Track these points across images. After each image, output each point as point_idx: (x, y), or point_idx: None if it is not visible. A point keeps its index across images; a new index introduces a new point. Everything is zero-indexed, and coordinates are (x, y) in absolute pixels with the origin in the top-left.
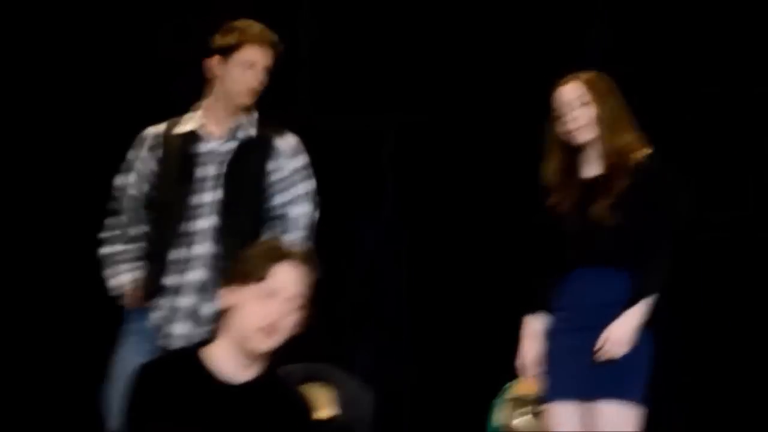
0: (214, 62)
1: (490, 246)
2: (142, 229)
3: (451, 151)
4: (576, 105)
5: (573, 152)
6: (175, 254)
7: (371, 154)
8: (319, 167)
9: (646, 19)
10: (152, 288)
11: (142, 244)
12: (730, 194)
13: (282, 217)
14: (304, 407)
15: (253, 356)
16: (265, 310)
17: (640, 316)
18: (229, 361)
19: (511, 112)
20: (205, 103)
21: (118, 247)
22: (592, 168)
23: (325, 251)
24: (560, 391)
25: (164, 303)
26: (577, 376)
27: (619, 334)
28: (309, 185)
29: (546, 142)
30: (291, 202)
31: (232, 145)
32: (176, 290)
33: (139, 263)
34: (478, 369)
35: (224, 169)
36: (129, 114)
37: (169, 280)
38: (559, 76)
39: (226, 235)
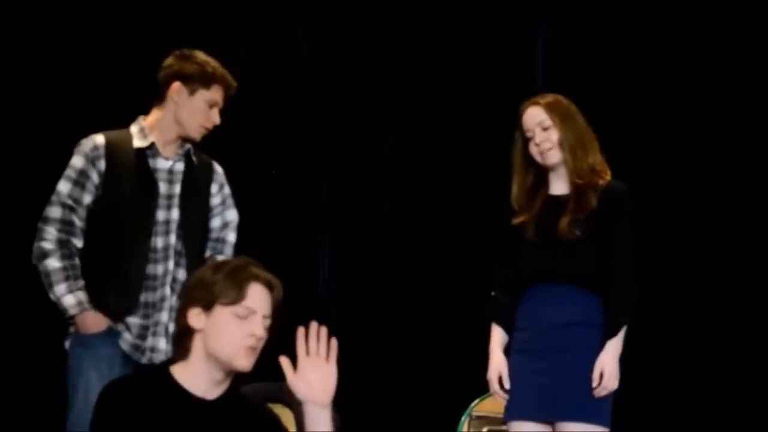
0: (175, 87)
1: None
2: (81, 242)
3: (450, 150)
4: (541, 128)
5: (540, 171)
6: (151, 269)
7: (371, 153)
8: (319, 165)
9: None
10: (123, 306)
11: (86, 259)
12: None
13: (220, 241)
14: (278, 424)
15: (230, 374)
16: (247, 330)
17: (620, 346)
18: (202, 379)
19: (510, 112)
20: (154, 120)
21: (72, 261)
22: (558, 186)
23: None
24: (522, 412)
25: (134, 321)
26: (540, 398)
27: (611, 368)
28: (236, 213)
29: (511, 162)
30: (227, 226)
31: (181, 165)
32: (153, 306)
33: (81, 280)
34: (442, 385)
35: (178, 188)
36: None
37: (144, 297)
38: (557, 75)
39: (183, 255)
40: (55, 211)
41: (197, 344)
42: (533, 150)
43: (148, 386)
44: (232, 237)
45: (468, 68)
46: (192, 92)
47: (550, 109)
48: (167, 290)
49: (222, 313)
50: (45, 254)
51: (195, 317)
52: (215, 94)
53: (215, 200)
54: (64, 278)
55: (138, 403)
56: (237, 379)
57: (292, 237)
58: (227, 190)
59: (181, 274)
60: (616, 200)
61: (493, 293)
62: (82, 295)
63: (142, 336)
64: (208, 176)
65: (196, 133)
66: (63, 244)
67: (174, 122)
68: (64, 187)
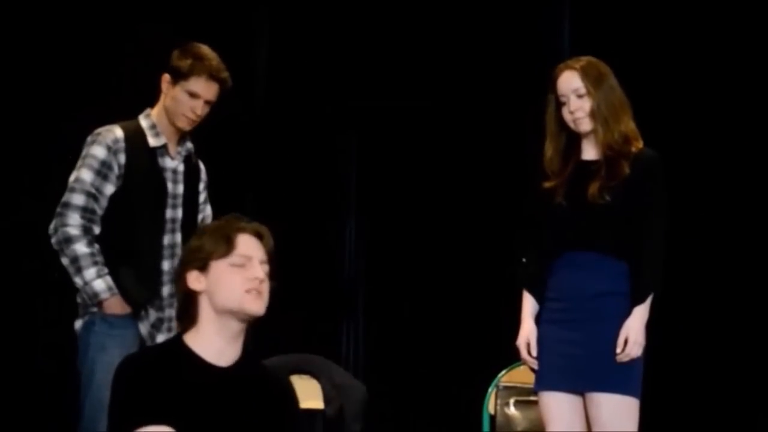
0: (165, 79)
1: (458, 235)
2: (99, 231)
3: (416, 140)
4: (576, 95)
5: (572, 135)
6: (166, 265)
7: (333, 145)
8: (281, 159)
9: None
10: (144, 297)
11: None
12: None
13: None
14: (291, 392)
15: (242, 328)
16: (246, 274)
17: (647, 313)
18: (214, 342)
19: (483, 99)
20: (155, 115)
21: (96, 247)
22: (590, 151)
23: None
24: (553, 382)
25: (151, 311)
26: (570, 368)
27: (636, 335)
28: (210, 209)
29: (546, 123)
30: (204, 221)
31: (182, 165)
32: (162, 300)
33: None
34: (468, 356)
35: (181, 188)
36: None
37: (164, 290)
38: (536, 66)
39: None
40: (78, 198)
41: (203, 306)
42: (567, 117)
43: (164, 357)
44: None
45: (438, 56)
46: (174, 83)
47: (584, 74)
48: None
49: (218, 267)
50: (71, 239)
51: (194, 280)
52: (195, 85)
53: (201, 197)
54: (93, 263)
55: (155, 375)
56: (256, 349)
57: (318, 214)
58: (205, 186)
59: None
60: (648, 168)
61: (523, 260)
62: (110, 280)
63: (157, 327)
64: (198, 175)
65: (181, 123)
66: (87, 230)
67: (165, 114)
68: (87, 175)
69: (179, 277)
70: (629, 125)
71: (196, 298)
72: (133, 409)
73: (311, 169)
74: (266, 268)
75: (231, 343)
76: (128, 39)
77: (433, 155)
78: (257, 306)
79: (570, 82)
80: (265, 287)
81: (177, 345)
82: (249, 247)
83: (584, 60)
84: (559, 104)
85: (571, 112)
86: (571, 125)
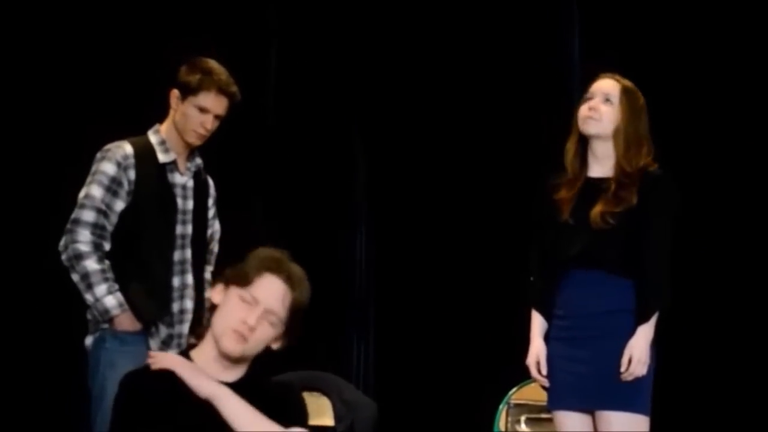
0: (174, 94)
1: (469, 250)
2: (109, 247)
3: (428, 152)
4: (603, 99)
5: (586, 142)
6: (176, 281)
7: (343, 155)
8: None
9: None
10: (154, 313)
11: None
12: None
13: (210, 252)
14: (301, 406)
15: (231, 362)
16: (242, 314)
17: (652, 332)
18: (212, 363)
19: (495, 108)
20: (164, 130)
21: (106, 264)
22: (597, 168)
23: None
24: (563, 401)
25: (162, 328)
26: (579, 386)
27: (640, 353)
28: (219, 225)
29: (573, 123)
30: (213, 238)
31: (191, 181)
32: (172, 317)
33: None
34: (479, 374)
35: (191, 204)
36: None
37: (173, 306)
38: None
39: (195, 267)
40: (88, 215)
41: (210, 324)
42: (582, 111)
43: (167, 373)
44: (216, 248)
45: (445, 71)
46: (183, 98)
47: (624, 92)
48: (187, 303)
49: (232, 293)
50: (81, 255)
51: (217, 292)
52: (204, 100)
53: (210, 213)
54: (104, 279)
55: (158, 391)
56: (264, 366)
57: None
58: (214, 201)
59: (195, 286)
60: (653, 188)
61: (531, 278)
62: (120, 297)
63: (167, 343)
64: (207, 191)
65: (191, 138)
66: (97, 247)
67: (174, 129)
68: (96, 191)
69: (213, 285)
70: (648, 160)
71: (213, 310)
72: (136, 425)
73: (321, 180)
74: (274, 317)
75: (229, 368)
76: (138, 53)
77: (445, 166)
78: (233, 347)
79: (605, 86)
80: (257, 336)
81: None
82: (265, 291)
83: (630, 82)
84: (583, 100)
85: (589, 109)
86: (579, 121)
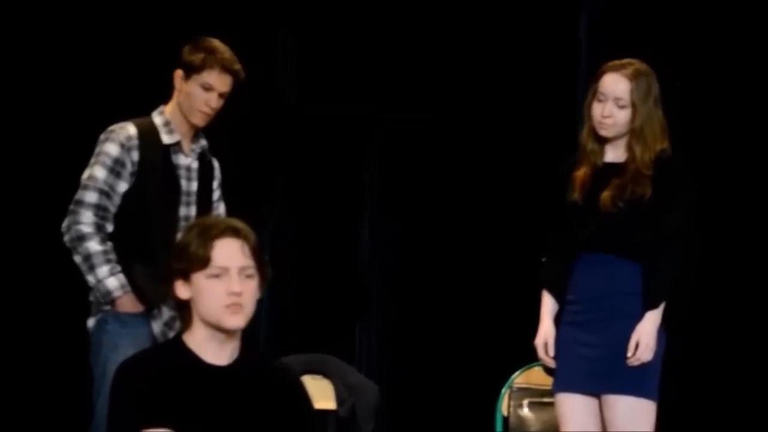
0: (178, 75)
1: (474, 234)
2: (112, 229)
3: (439, 147)
4: (615, 103)
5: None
6: None
7: (358, 145)
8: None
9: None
10: (158, 294)
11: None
12: None
13: None
14: (300, 388)
15: (227, 336)
16: (222, 288)
17: (660, 317)
18: (207, 344)
19: (498, 108)
20: (169, 112)
21: (109, 246)
22: (612, 154)
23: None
24: (569, 384)
25: (165, 310)
26: (587, 370)
27: (648, 339)
28: (224, 206)
29: (585, 108)
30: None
31: (196, 162)
32: None
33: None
34: (482, 357)
35: (195, 186)
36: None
37: None
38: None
39: None
40: (91, 196)
41: (194, 311)
42: (596, 114)
43: (163, 358)
44: None
45: (457, 66)
46: (187, 77)
47: (633, 85)
48: None
49: (198, 279)
50: (83, 237)
51: (180, 289)
52: (208, 77)
53: (215, 195)
54: (106, 261)
55: (153, 377)
56: (256, 345)
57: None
58: (219, 183)
59: None
60: (668, 173)
61: (543, 259)
62: (123, 278)
63: (170, 325)
64: (212, 173)
65: (196, 119)
66: (100, 228)
67: (179, 110)
68: (100, 173)
69: (169, 283)
70: (665, 142)
71: (186, 303)
72: (132, 412)
73: (330, 169)
74: (249, 270)
75: (225, 342)
76: (143, 35)
77: (454, 155)
78: (235, 321)
79: (615, 86)
80: (247, 295)
81: (176, 345)
82: (226, 255)
83: (634, 66)
84: (596, 97)
85: (603, 116)
86: (596, 125)
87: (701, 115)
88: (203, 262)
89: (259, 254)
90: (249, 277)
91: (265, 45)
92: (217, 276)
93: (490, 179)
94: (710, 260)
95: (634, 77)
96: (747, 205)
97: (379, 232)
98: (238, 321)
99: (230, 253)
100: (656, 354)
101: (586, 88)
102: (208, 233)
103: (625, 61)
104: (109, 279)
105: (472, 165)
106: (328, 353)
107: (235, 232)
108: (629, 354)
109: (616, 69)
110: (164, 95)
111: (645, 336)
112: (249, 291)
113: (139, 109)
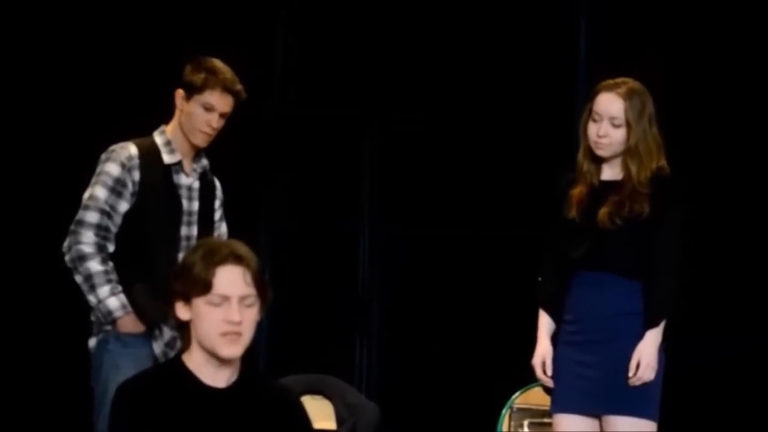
0: (179, 94)
1: (475, 252)
2: (113, 249)
3: (438, 148)
4: (610, 123)
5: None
6: None
7: (352, 146)
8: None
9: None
10: (158, 315)
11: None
12: None
13: None
14: (299, 409)
15: (224, 361)
16: (221, 316)
17: (660, 336)
18: (206, 366)
19: (497, 108)
20: (170, 131)
21: (110, 266)
22: (609, 172)
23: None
24: (567, 405)
25: (166, 330)
26: (587, 390)
27: (649, 358)
28: (226, 226)
29: (580, 126)
30: (219, 239)
31: (197, 182)
32: None
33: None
34: (482, 377)
35: (196, 206)
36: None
37: None
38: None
39: None
40: (92, 216)
41: (193, 332)
42: (591, 134)
43: (163, 378)
44: None
45: (453, 68)
46: (188, 98)
47: (627, 105)
48: None
49: (198, 303)
50: (84, 257)
51: (180, 310)
52: (210, 98)
53: (216, 215)
54: (107, 281)
55: (151, 399)
56: (255, 364)
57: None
58: (220, 203)
59: None
60: (664, 191)
61: (539, 279)
62: (124, 298)
63: (171, 345)
64: (213, 192)
65: (197, 139)
66: (101, 248)
67: (180, 130)
68: (101, 193)
69: (169, 303)
70: (662, 160)
71: (186, 324)
72: None
73: (327, 174)
74: (249, 299)
75: (222, 366)
76: (144, 55)
77: (453, 155)
78: (231, 350)
79: (610, 105)
80: (246, 324)
81: (175, 366)
82: (228, 282)
83: (628, 85)
84: (591, 116)
85: (599, 135)
86: (592, 144)
87: (701, 115)
88: (205, 287)
89: (260, 280)
90: (249, 306)
91: (264, 45)
92: (217, 304)
93: (490, 179)
94: (708, 271)
95: (628, 96)
96: (745, 216)
97: (379, 233)
98: (234, 351)
99: (232, 281)
100: (657, 373)
101: (584, 89)
102: (212, 258)
103: (619, 80)
104: (111, 299)
105: (471, 165)
106: (328, 373)
107: (238, 260)
108: (630, 374)
109: (610, 88)
110: (165, 99)
111: (646, 356)
112: (248, 319)
113: (141, 129)
